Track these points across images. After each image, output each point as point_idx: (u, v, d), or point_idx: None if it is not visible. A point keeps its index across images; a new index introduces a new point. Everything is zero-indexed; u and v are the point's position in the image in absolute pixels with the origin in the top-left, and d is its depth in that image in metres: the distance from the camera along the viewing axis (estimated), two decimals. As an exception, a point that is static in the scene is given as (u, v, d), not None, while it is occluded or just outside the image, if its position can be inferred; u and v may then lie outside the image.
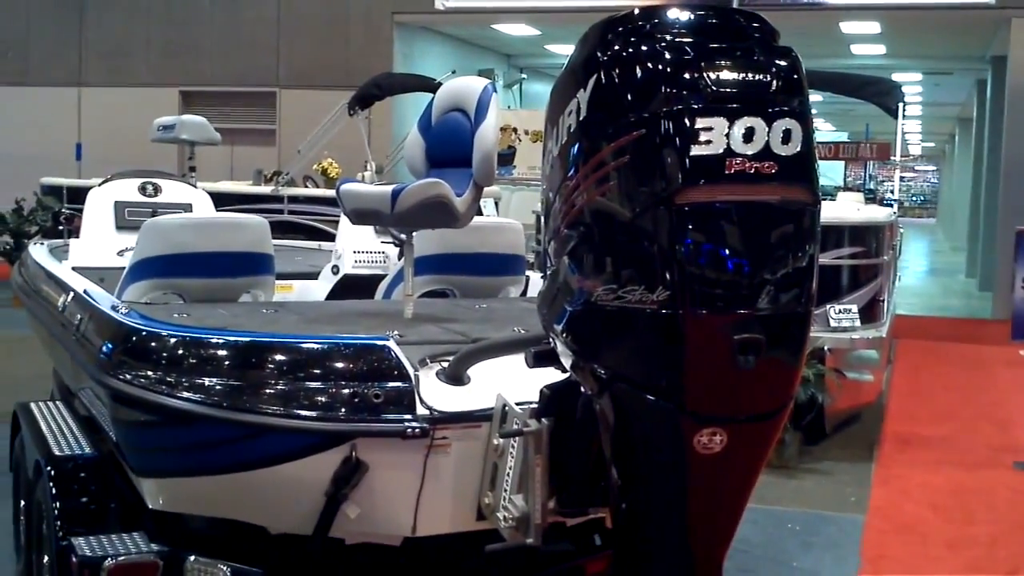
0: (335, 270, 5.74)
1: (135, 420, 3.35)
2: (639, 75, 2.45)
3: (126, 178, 6.19)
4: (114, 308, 3.72)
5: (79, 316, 3.98)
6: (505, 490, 3.14)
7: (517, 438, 3.05)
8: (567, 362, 2.74)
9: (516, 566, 3.51)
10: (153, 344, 3.32)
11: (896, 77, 17.75)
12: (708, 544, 2.61)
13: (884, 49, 18.92)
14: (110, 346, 3.47)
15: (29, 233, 13.60)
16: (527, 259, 5.30)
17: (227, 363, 3.21)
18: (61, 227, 12.67)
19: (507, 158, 19.29)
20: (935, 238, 36.84)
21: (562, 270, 2.64)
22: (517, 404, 3.11)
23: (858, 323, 7.65)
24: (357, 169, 14.54)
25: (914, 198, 50.82)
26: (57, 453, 3.96)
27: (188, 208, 6.11)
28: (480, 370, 3.37)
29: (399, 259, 5.72)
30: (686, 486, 2.52)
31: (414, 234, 4.25)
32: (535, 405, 3.07)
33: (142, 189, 6.11)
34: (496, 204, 12.93)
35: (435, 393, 3.23)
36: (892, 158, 14.48)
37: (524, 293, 5.28)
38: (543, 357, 2.97)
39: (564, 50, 21.24)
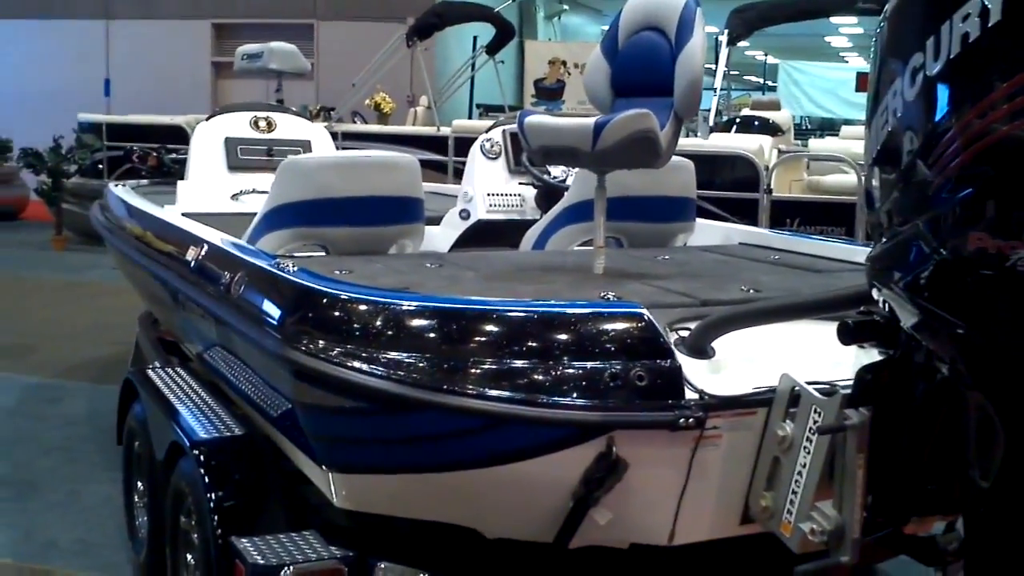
0: (464, 215, 5.10)
1: (329, 405, 2.73)
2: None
3: (233, 112, 5.54)
4: (279, 266, 3.11)
5: (227, 273, 3.36)
6: (794, 492, 2.56)
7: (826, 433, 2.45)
8: (930, 338, 2.12)
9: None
10: (349, 311, 2.70)
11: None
12: None
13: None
14: (286, 312, 2.86)
15: (68, 172, 12.92)
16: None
17: (450, 337, 2.57)
18: (102, 166, 12.07)
19: (556, 93, 18.59)
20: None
21: (932, 223, 2.02)
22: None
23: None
24: (401, 104, 13.94)
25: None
26: (204, 436, 3.36)
27: (307, 145, 5.46)
28: (722, 342, 2.77)
29: (536, 203, 5.11)
30: None
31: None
32: (825, 387, 2.49)
33: (254, 124, 5.44)
34: None
35: (697, 373, 2.63)
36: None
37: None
38: (862, 331, 2.37)
39: (608, -20, 20.42)
